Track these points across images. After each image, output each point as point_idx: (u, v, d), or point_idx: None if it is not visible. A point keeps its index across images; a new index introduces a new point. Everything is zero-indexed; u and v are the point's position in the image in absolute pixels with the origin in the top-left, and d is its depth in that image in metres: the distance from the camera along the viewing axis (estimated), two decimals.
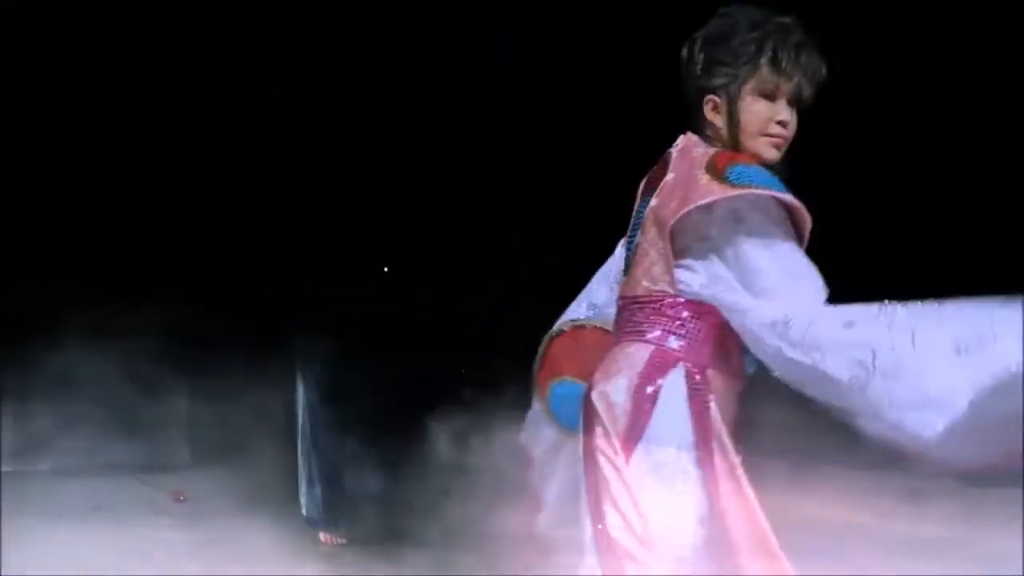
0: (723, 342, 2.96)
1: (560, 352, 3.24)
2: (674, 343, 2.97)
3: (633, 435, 2.93)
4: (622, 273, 3.09)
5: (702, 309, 2.96)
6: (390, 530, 5.09)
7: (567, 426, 3.11)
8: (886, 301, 2.86)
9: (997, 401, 2.65)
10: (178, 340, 5.42)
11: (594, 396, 2.96)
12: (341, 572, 4.98)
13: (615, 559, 2.91)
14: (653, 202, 3.00)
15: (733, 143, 3.00)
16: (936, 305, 2.78)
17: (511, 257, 5.45)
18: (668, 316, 2.98)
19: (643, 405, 2.94)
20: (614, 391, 2.95)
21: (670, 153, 3.07)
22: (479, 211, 5.55)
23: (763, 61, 2.99)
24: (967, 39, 5.35)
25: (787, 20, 3.03)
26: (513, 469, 3.31)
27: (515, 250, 5.53)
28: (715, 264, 2.94)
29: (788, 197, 2.94)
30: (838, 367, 2.80)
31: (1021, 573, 4.24)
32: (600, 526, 2.92)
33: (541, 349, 3.26)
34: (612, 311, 3.11)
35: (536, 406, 3.22)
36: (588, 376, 3.01)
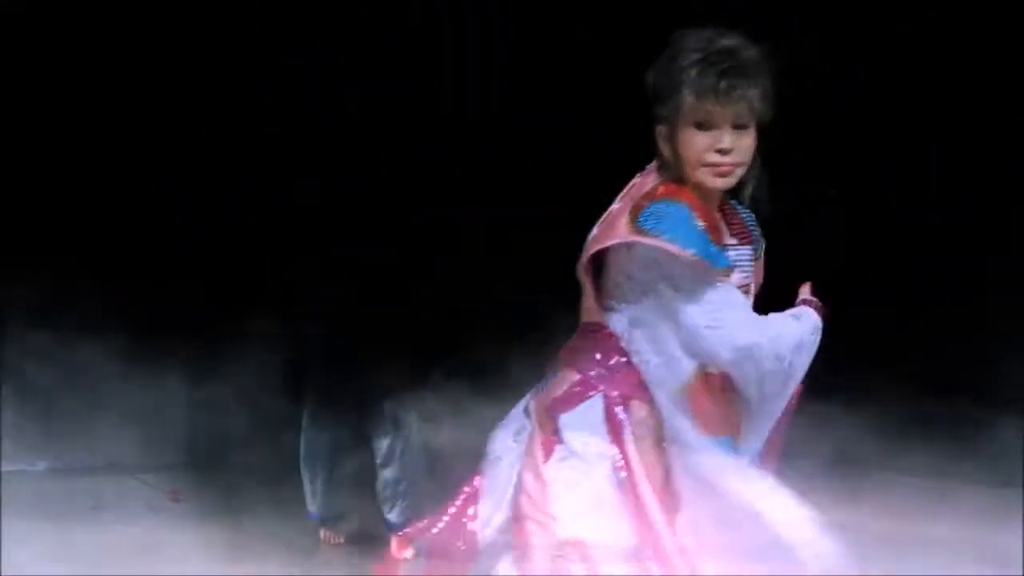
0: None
1: None
2: (595, 373, 3.03)
3: (548, 449, 3.02)
4: None
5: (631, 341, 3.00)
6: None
7: None
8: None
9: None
10: (178, 340, 5.41)
11: (530, 406, 3.07)
12: (342, 571, 4.99)
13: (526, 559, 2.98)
14: (595, 229, 3.04)
15: (681, 173, 3.01)
16: None
17: (511, 257, 5.45)
18: (598, 347, 3.03)
19: (557, 429, 3.02)
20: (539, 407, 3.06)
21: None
22: (479, 211, 5.55)
23: (688, 92, 2.98)
24: (967, 39, 5.35)
25: (729, 43, 3.01)
26: None
27: (515, 250, 5.54)
28: (642, 305, 2.98)
29: (681, 252, 2.92)
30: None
31: (1021, 573, 4.24)
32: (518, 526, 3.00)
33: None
34: None
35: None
36: None
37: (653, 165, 3.07)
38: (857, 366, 5.18)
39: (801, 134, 5.33)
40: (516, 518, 3.01)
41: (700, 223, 2.96)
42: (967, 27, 5.33)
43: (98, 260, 5.49)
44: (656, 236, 2.93)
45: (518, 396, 3.20)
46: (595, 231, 3.02)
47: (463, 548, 3.07)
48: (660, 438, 3.00)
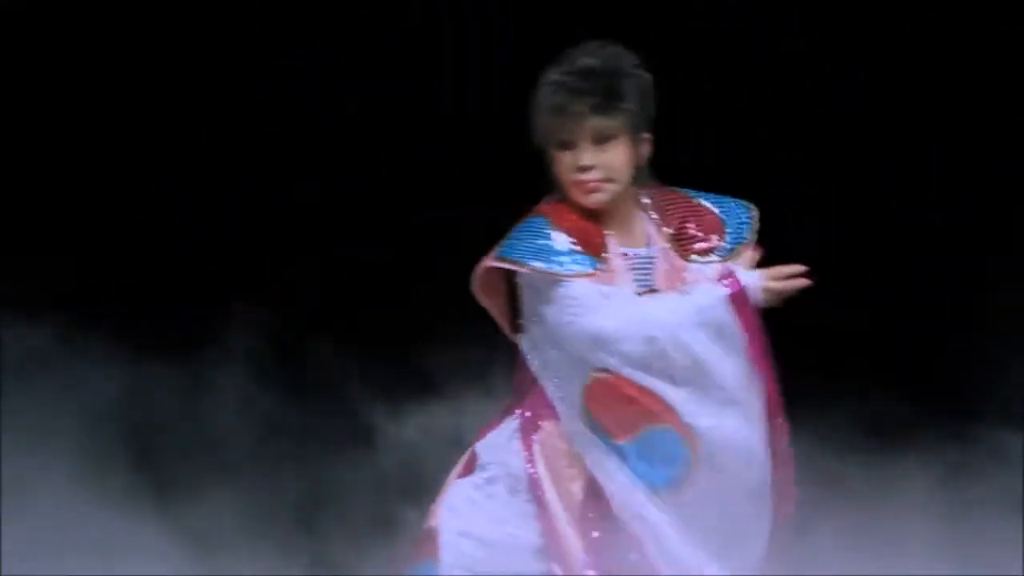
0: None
1: None
2: (517, 392, 3.11)
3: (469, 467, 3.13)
4: None
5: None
6: None
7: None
8: None
9: None
10: (178, 340, 5.41)
11: None
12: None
13: None
14: None
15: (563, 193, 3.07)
16: None
17: None
18: (518, 368, 3.11)
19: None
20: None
21: None
22: (479, 211, 5.54)
23: (545, 112, 3.07)
24: (967, 39, 5.35)
25: (588, 61, 3.04)
26: None
27: None
28: (529, 324, 3.07)
29: (495, 263, 3.04)
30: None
31: (1021, 573, 4.24)
32: None
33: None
34: None
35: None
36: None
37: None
38: (857, 366, 5.19)
39: (801, 134, 5.33)
40: None
41: (551, 233, 3.00)
42: (967, 27, 5.33)
43: (98, 260, 5.49)
44: (496, 255, 3.04)
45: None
46: None
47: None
48: (572, 456, 3.02)
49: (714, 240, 3.10)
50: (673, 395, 2.96)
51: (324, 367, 5.29)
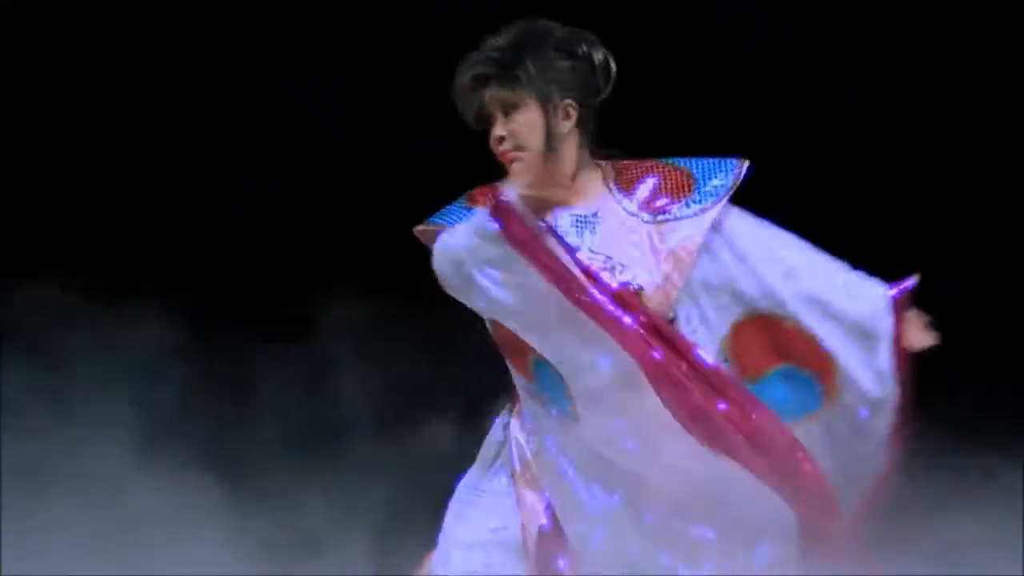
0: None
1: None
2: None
3: None
4: None
5: None
6: None
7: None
8: None
9: None
10: (179, 339, 5.41)
11: None
12: None
13: None
14: None
15: None
16: None
17: None
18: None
19: None
20: None
21: None
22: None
23: (456, 95, 3.15)
24: (967, 39, 5.35)
25: (489, 41, 3.14)
26: None
27: None
28: None
29: (423, 228, 3.08)
30: None
31: (1021, 573, 4.24)
32: None
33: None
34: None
35: None
36: None
37: None
38: None
39: (801, 134, 5.33)
40: None
41: (466, 203, 3.12)
42: (967, 27, 5.33)
43: (98, 260, 5.49)
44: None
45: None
46: None
47: None
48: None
49: (681, 196, 3.06)
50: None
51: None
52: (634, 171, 3.09)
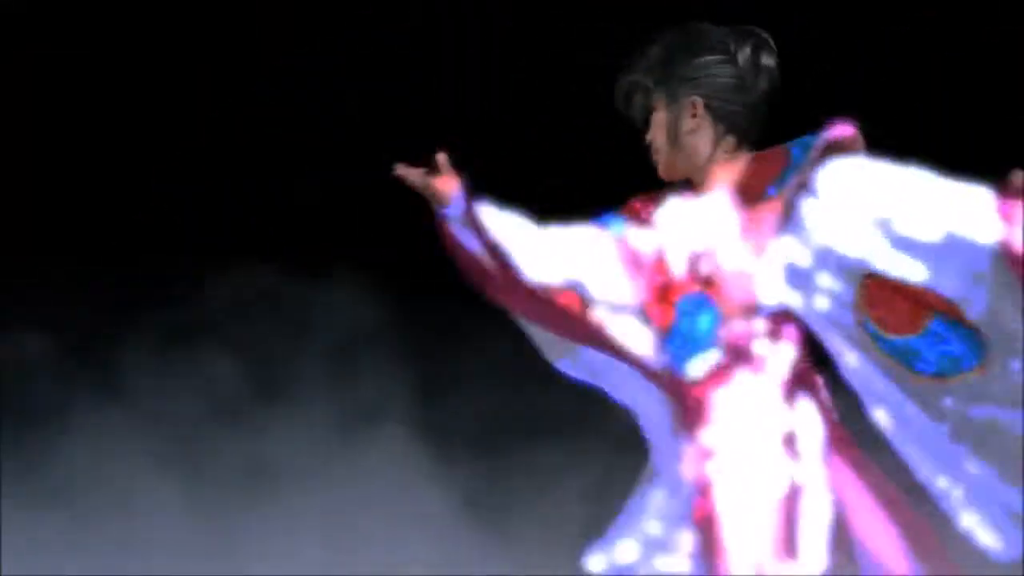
0: None
1: None
2: None
3: None
4: None
5: None
6: None
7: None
8: None
9: None
10: (179, 340, 5.41)
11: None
12: None
13: None
14: None
15: None
16: None
17: None
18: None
19: None
20: None
21: None
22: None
23: None
24: (967, 39, 5.35)
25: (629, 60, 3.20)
26: None
27: None
28: None
29: None
30: None
31: (1021, 573, 4.23)
32: None
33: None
34: None
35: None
36: None
37: None
38: None
39: (801, 134, 5.33)
40: None
41: (621, 213, 3.17)
42: (967, 27, 5.33)
43: (98, 260, 5.49)
44: None
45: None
46: None
47: None
48: None
49: (772, 177, 3.12)
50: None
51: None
52: (757, 159, 3.15)
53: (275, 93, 5.50)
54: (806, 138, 3.17)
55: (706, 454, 2.95)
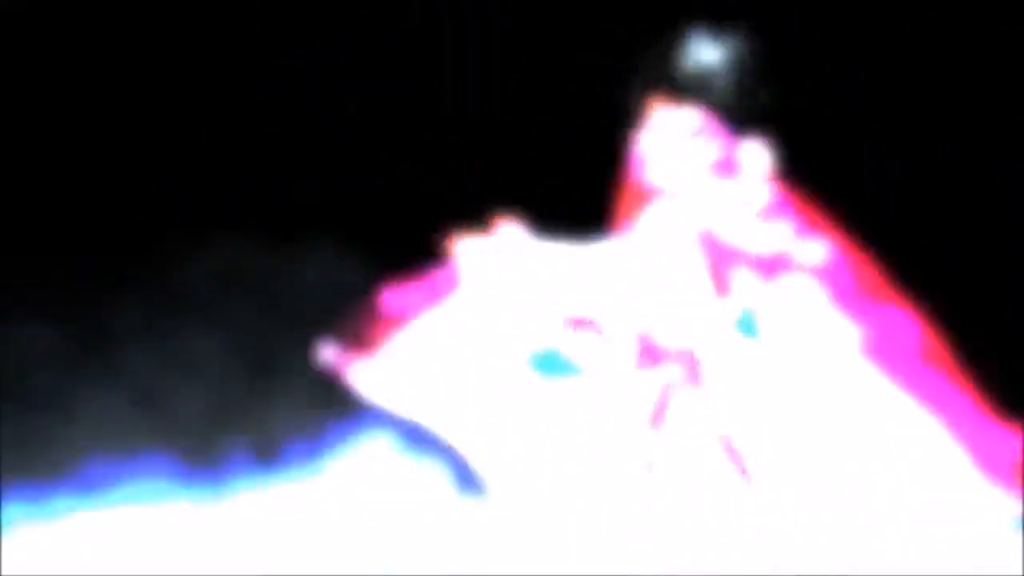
0: None
1: None
2: None
3: None
4: None
5: None
6: None
7: None
8: None
9: None
10: (180, 341, 5.42)
11: None
12: None
13: None
14: None
15: None
16: None
17: None
18: None
19: None
20: None
21: None
22: (478, 211, 5.54)
23: None
24: (967, 39, 5.35)
25: None
26: None
27: None
28: None
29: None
30: None
31: (1021, 573, 4.24)
32: None
33: None
34: None
35: None
36: None
37: None
38: None
39: (801, 134, 5.33)
40: None
41: None
42: (967, 27, 5.33)
43: (98, 260, 5.49)
44: None
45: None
46: None
47: None
48: None
49: None
50: None
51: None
52: None
53: (275, 93, 5.50)
54: None
55: None
